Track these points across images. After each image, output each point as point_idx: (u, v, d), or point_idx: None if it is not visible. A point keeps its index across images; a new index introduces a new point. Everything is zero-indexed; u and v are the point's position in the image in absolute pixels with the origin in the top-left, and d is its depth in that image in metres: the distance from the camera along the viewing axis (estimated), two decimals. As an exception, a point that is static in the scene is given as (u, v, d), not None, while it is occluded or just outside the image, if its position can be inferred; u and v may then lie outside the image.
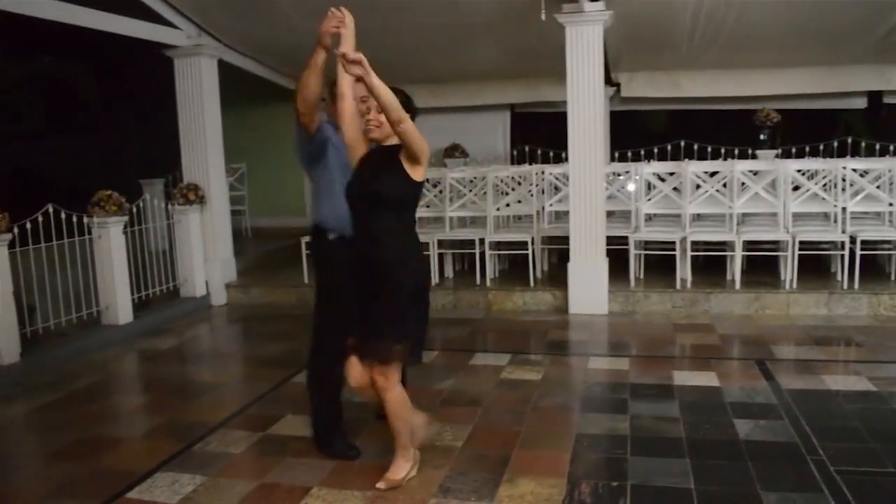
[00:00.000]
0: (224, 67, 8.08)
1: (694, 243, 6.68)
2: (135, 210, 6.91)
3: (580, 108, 6.52)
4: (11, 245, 5.53)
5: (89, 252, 6.42)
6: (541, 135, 10.92)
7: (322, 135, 3.77)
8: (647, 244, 7.09)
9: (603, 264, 6.58)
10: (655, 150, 10.42)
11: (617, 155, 10.07)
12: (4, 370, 5.37)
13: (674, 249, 6.66)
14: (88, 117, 10.76)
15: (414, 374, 4.33)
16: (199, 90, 7.70)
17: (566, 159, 7.68)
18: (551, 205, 7.48)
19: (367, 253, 3.27)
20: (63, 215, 6.07)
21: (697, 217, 7.32)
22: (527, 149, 10.86)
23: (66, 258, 6.22)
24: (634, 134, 10.89)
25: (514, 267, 7.79)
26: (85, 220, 6.31)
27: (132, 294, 6.72)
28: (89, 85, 7.98)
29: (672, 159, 9.60)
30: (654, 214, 7.32)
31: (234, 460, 3.82)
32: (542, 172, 7.67)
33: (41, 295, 6.04)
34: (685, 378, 4.80)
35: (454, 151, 10.65)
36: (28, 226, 5.80)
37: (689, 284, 6.66)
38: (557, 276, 7.15)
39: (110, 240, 6.38)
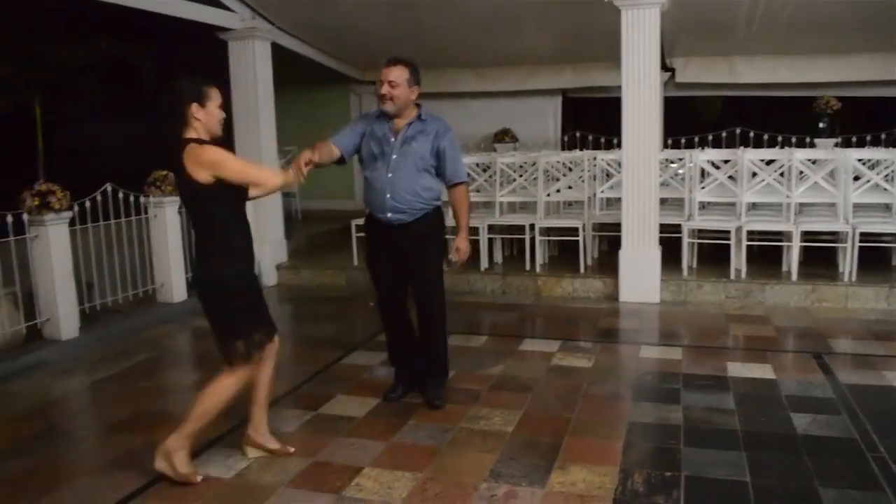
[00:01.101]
0: (277, 50, 8.14)
1: (749, 233, 6.54)
2: (189, 190, 7.00)
3: (635, 94, 6.41)
4: (71, 223, 5.66)
5: (145, 231, 6.55)
6: (592, 120, 10.80)
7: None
8: (700, 233, 6.97)
9: (655, 252, 6.49)
10: (710, 137, 10.23)
11: (670, 142, 9.90)
12: (64, 345, 5.52)
13: (728, 239, 6.54)
14: (146, 99, 10.94)
15: (463, 358, 4.34)
16: (253, 73, 7.76)
17: (618, 145, 7.61)
18: (603, 191, 7.40)
19: None
20: (120, 195, 6.20)
21: (753, 206, 7.17)
22: (578, 134, 10.75)
23: (122, 237, 6.35)
24: (688, 120, 10.70)
25: (564, 253, 7.73)
26: (141, 199, 6.43)
27: (186, 273, 6.83)
28: (147, 67, 8.11)
29: (727, 147, 9.40)
30: (709, 203, 7.19)
31: (287, 438, 3.86)
32: (595, 158, 7.58)
33: (99, 272, 6.18)
34: (739, 370, 4.71)
35: (504, 136, 10.60)
36: (87, 205, 5.93)
37: (743, 275, 6.53)
38: (608, 263, 7.08)
39: (166, 219, 6.50)
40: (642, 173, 6.44)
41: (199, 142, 3.26)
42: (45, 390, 4.83)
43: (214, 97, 3.29)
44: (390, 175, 3.98)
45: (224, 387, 3.41)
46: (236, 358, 3.38)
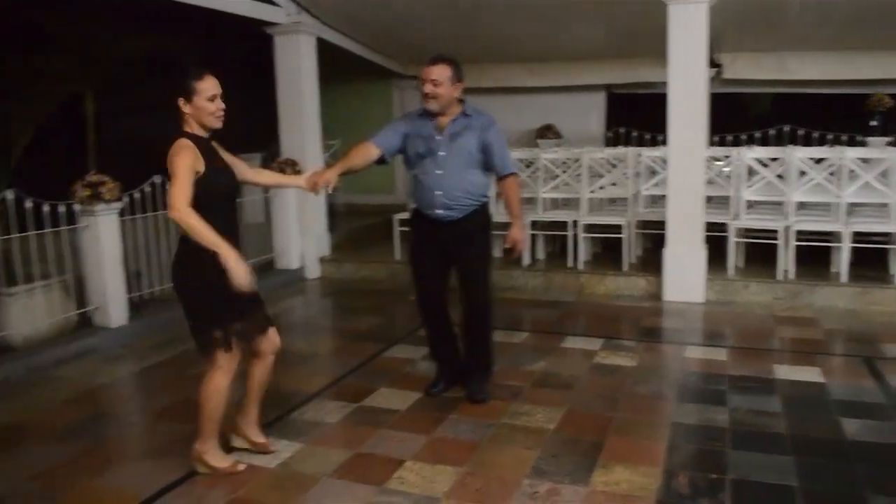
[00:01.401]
0: (321, 45, 8.19)
1: (798, 233, 6.42)
2: (235, 183, 7.09)
3: (681, 90, 6.33)
4: (121, 214, 5.78)
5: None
6: (637, 116, 10.68)
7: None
8: (747, 232, 6.86)
9: (701, 251, 6.40)
10: (757, 135, 10.05)
11: (716, 139, 9.75)
12: (113, 332, 5.64)
13: (776, 238, 6.42)
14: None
15: (505, 354, 4.34)
16: (298, 67, 7.83)
17: (663, 142, 7.50)
18: (647, 188, 7.32)
19: None
20: (167, 186, 6.29)
21: (801, 205, 7.02)
22: (622, 131, 10.64)
23: (169, 227, 6.45)
24: (735, 117, 10.52)
25: (607, 251, 7.67)
26: (189, 191, 6.51)
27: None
28: (196, 61, 8.24)
29: (775, 145, 9.23)
30: (756, 201, 7.07)
31: (330, 429, 3.91)
32: (639, 155, 7.50)
33: (147, 262, 6.30)
34: (787, 372, 4.63)
35: (547, 132, 10.53)
36: (136, 196, 6.04)
37: (791, 275, 6.41)
38: (652, 261, 7.00)
39: (212, 211, 6.57)
40: (688, 171, 6.35)
41: (189, 136, 3.25)
42: (94, 376, 4.94)
43: (203, 90, 3.24)
44: (439, 172, 3.98)
45: (214, 384, 3.34)
46: (213, 348, 3.30)
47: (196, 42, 8.53)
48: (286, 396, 4.41)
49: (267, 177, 4.33)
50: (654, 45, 6.82)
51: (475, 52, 8.53)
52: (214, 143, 3.41)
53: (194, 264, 3.24)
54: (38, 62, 6.11)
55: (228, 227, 3.31)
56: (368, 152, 4.04)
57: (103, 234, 5.58)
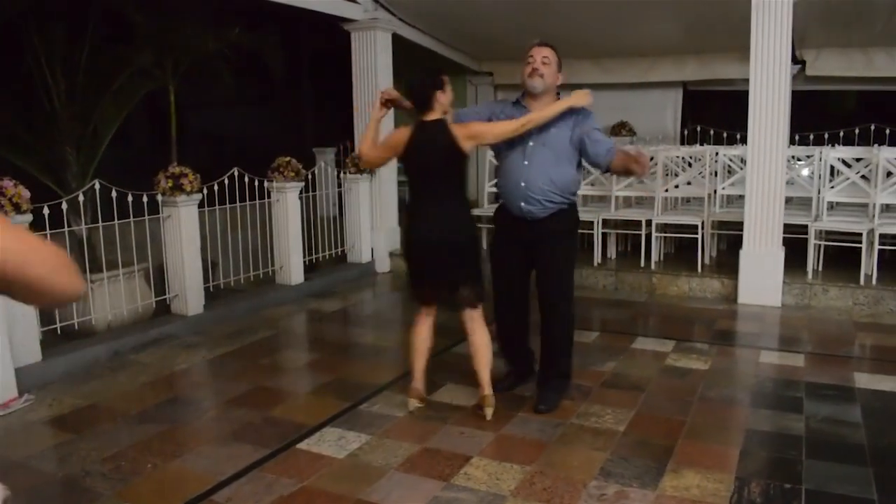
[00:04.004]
0: (396, 41, 8.25)
1: (882, 236, 6.17)
2: (309, 177, 7.23)
3: (763, 87, 6.15)
4: (200, 205, 5.94)
5: (267, 214, 6.80)
6: (714, 114, 10.44)
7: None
8: (828, 234, 6.63)
9: (779, 253, 6.22)
10: (841, 134, 9.70)
11: (797, 138, 9.44)
12: (191, 320, 5.81)
13: (859, 242, 6.19)
14: (271, 87, 11.37)
15: (574, 353, 4.28)
16: (374, 63, 7.91)
17: (741, 140, 7.31)
18: (724, 188, 7.14)
19: None
20: (246, 179, 6.45)
21: (886, 208, 6.75)
22: (698, 128, 10.41)
23: (246, 219, 6.62)
24: (817, 115, 10.17)
25: (681, 251, 7.53)
26: (265, 184, 6.67)
27: (304, 256, 7.06)
28: (273, 56, 8.42)
29: (859, 144, 8.89)
30: (838, 203, 6.82)
31: (398, 423, 3.94)
32: (716, 154, 7.33)
33: (223, 253, 6.47)
34: (868, 381, 4.45)
35: (621, 129, 10.39)
36: (215, 187, 6.21)
37: (874, 280, 6.17)
38: (727, 262, 6.84)
39: (287, 204, 6.72)
40: (768, 170, 6.18)
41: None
42: (171, 362, 5.10)
43: (447, 83, 3.86)
44: (526, 163, 3.88)
45: (484, 331, 3.93)
46: (481, 300, 3.93)
47: (276, 38, 8.71)
48: (354, 388, 4.48)
49: None
50: (734, 41, 6.66)
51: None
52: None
53: (474, 224, 4.00)
54: (125, 57, 6.33)
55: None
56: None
57: (184, 224, 5.74)
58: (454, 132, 3.76)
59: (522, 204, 3.92)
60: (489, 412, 3.89)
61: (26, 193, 4.51)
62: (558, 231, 3.98)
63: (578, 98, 3.86)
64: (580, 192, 7.32)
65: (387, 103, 4.04)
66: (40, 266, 1.15)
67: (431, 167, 3.82)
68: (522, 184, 3.89)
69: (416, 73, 3.88)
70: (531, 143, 3.89)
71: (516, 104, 4.01)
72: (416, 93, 3.83)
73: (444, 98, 3.82)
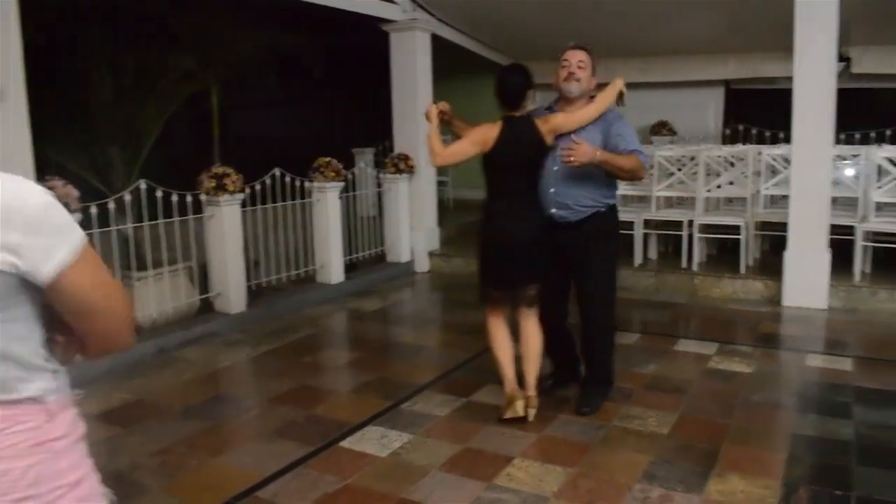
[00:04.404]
0: (434, 41, 8.26)
1: (933, 238, 6.03)
2: (349, 177, 7.27)
3: (807, 85, 6.03)
4: (242, 204, 6.01)
5: (308, 214, 6.85)
6: (757, 113, 10.28)
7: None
8: (875, 236, 6.49)
9: (824, 255, 6.10)
10: (888, 133, 9.49)
11: (843, 137, 9.26)
12: (233, 318, 5.88)
13: (909, 243, 6.05)
14: (311, 88, 11.46)
15: (615, 355, 4.26)
16: (413, 64, 7.93)
17: (784, 140, 7.19)
18: (767, 188, 7.03)
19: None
20: (287, 179, 6.51)
21: (938, 208, 6.60)
22: (740, 128, 10.26)
23: (287, 219, 6.68)
24: (863, 113, 9.96)
25: (723, 252, 7.43)
26: (306, 184, 6.73)
27: (344, 256, 7.10)
28: (313, 58, 8.50)
29: (908, 143, 8.69)
30: (885, 203, 6.67)
31: (440, 422, 3.95)
32: (759, 153, 7.21)
33: (265, 252, 6.54)
34: (919, 386, 4.36)
35: (661, 129, 10.29)
36: (257, 187, 6.27)
37: (924, 283, 6.03)
38: (770, 264, 6.74)
39: (328, 204, 6.77)
40: (813, 170, 6.06)
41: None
42: (214, 359, 5.17)
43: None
44: (556, 168, 3.86)
45: (538, 332, 3.94)
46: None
47: (314, 39, 8.78)
48: (395, 387, 4.49)
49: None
50: (778, 38, 6.55)
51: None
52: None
53: (545, 222, 3.91)
54: (169, 60, 6.44)
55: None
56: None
57: (226, 223, 5.82)
58: (540, 127, 3.78)
59: (554, 210, 3.90)
60: (532, 413, 3.87)
61: (75, 193, 4.59)
62: (593, 234, 3.91)
63: (619, 82, 3.88)
64: (619, 193, 7.32)
65: (440, 115, 4.03)
66: (115, 312, 1.26)
67: (519, 163, 3.83)
68: (552, 189, 3.87)
69: (508, 70, 3.89)
70: (560, 148, 3.81)
71: (549, 109, 3.99)
72: (509, 90, 3.81)
73: (533, 95, 3.85)
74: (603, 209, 3.92)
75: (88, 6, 6.04)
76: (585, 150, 3.60)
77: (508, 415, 3.85)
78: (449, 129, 4.12)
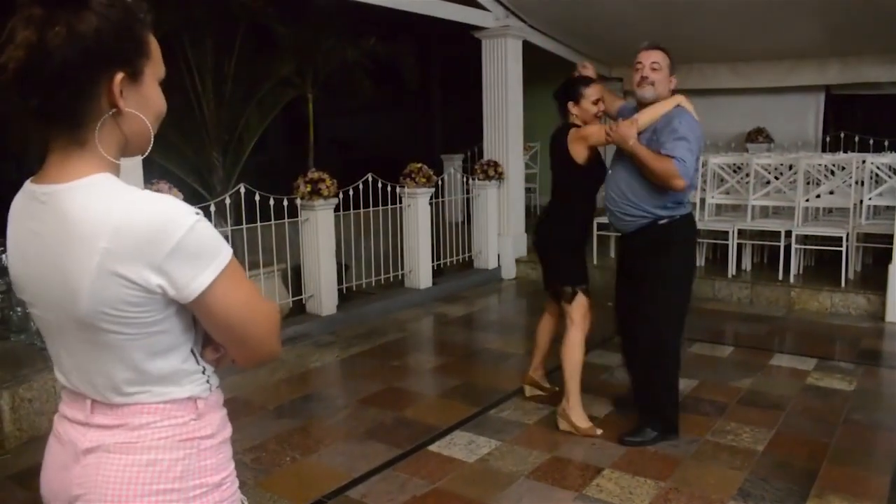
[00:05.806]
0: (525, 46, 8.24)
1: None
2: (439, 183, 7.34)
3: (918, 92, 5.77)
4: (335, 209, 6.15)
5: (399, 219, 6.96)
6: (859, 119, 9.87)
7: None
8: None
9: (933, 269, 5.81)
10: None
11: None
12: (325, 320, 6.02)
13: None
14: (403, 95, 11.64)
15: (708, 368, 4.17)
16: (504, 70, 7.94)
17: (891, 147, 6.88)
18: (871, 198, 6.74)
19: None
20: (379, 184, 6.63)
21: None
22: (842, 135, 9.87)
23: (378, 223, 6.79)
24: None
25: (821, 264, 7.16)
26: (397, 189, 6.83)
27: (432, 261, 7.17)
28: (408, 65, 8.63)
29: None
30: None
31: (528, 430, 3.95)
32: (863, 161, 6.92)
33: (356, 256, 6.67)
34: None
35: (757, 136, 9.99)
36: (350, 192, 6.41)
37: None
38: (873, 277, 6.46)
39: (418, 209, 6.85)
40: (923, 181, 5.79)
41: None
42: (306, 359, 5.31)
43: (589, 95, 3.80)
44: (609, 172, 3.76)
45: (574, 331, 3.88)
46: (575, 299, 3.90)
47: (408, 46, 8.92)
48: (483, 393, 4.52)
49: None
50: (884, 42, 6.28)
51: (680, 52, 8.12)
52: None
53: (563, 227, 3.98)
54: (269, 67, 6.67)
55: (593, 201, 4.01)
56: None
57: (320, 227, 5.96)
58: (568, 138, 3.80)
59: (610, 218, 3.82)
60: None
61: (180, 196, 4.81)
62: (644, 248, 3.65)
63: (679, 99, 3.60)
64: (714, 202, 7.16)
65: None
66: (258, 327, 1.26)
67: (551, 167, 4.00)
68: (603, 194, 3.79)
69: (563, 82, 3.98)
70: (615, 154, 3.72)
71: (635, 110, 3.83)
72: (556, 100, 3.94)
73: (576, 109, 3.84)
74: (659, 221, 3.60)
75: (202, 17, 6.28)
76: (623, 132, 3.49)
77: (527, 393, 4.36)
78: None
